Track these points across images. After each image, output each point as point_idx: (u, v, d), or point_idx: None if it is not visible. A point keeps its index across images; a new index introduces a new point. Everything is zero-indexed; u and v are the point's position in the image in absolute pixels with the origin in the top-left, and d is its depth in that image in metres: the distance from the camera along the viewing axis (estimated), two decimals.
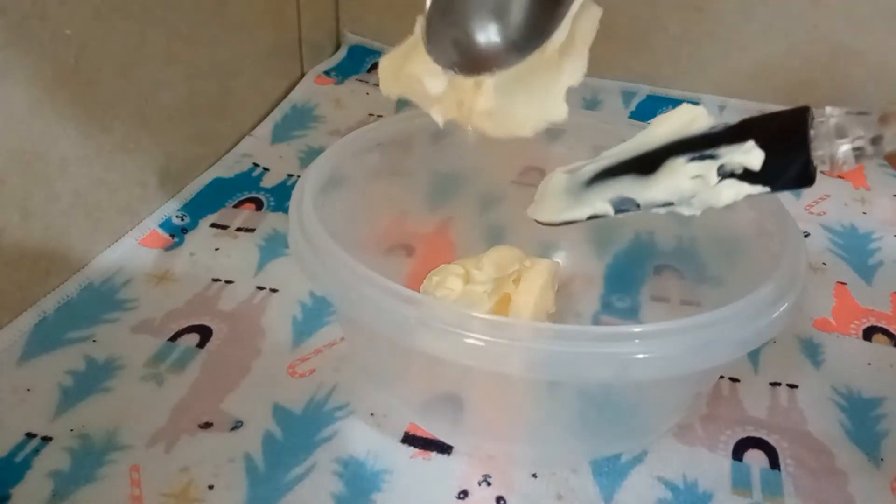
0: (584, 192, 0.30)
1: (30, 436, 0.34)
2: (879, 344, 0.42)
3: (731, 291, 0.31)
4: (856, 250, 0.49)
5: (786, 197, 0.55)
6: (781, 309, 0.29)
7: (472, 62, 0.28)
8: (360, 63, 0.73)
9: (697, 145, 0.28)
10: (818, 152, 0.26)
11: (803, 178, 0.26)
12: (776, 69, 0.65)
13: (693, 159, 0.28)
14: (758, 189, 0.27)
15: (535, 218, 0.32)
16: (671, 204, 0.28)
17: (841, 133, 0.26)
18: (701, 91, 0.67)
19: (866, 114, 0.26)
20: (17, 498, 0.31)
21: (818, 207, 0.54)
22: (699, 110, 0.30)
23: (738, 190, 0.27)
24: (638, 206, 0.29)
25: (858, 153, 0.26)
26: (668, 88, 0.68)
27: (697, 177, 0.28)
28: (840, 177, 0.57)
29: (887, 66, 0.62)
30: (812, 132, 0.26)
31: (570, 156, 0.35)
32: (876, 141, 0.25)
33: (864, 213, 0.53)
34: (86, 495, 0.31)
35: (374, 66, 0.73)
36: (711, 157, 0.28)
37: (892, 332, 0.42)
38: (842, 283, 0.46)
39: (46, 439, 0.34)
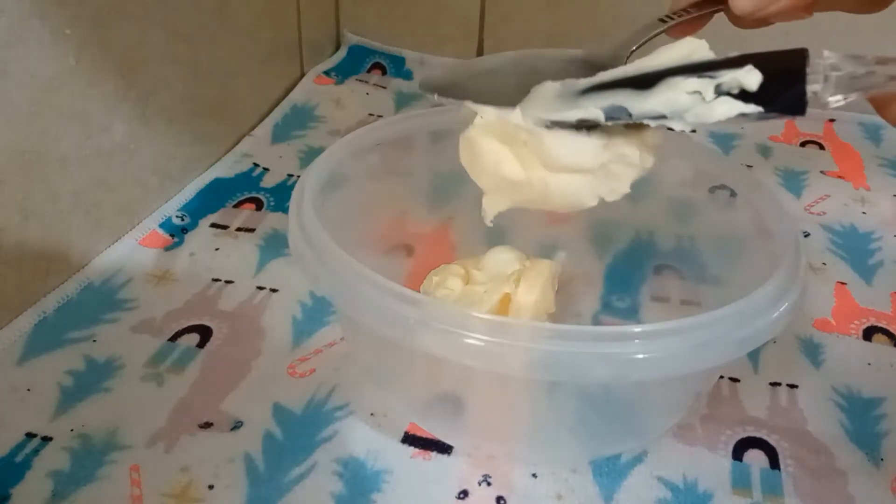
0: (577, 99, 0.30)
1: (30, 436, 0.34)
2: (879, 344, 0.42)
3: (731, 291, 0.31)
4: (856, 250, 0.49)
5: (786, 197, 0.55)
6: (781, 309, 0.29)
7: None
8: (360, 63, 0.73)
9: (697, 69, 0.28)
10: (813, 86, 0.26)
11: (796, 105, 0.27)
12: None
13: (691, 76, 0.28)
14: (751, 108, 0.27)
15: (521, 114, 0.31)
16: (664, 117, 0.28)
17: (835, 69, 0.26)
18: None
19: (862, 57, 0.26)
20: (17, 498, 0.31)
21: (818, 207, 0.54)
22: (701, 43, 0.30)
23: (732, 107, 0.27)
24: (630, 115, 0.29)
25: (848, 84, 0.26)
26: None
27: (694, 92, 0.28)
28: (840, 177, 0.58)
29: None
30: (809, 67, 0.26)
31: None
32: (867, 76, 0.26)
33: (864, 213, 0.53)
34: (86, 495, 0.31)
35: (374, 66, 0.73)
36: (710, 76, 0.28)
37: (892, 332, 0.42)
38: (842, 283, 0.46)
39: (46, 439, 0.34)
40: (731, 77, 0.27)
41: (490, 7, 0.70)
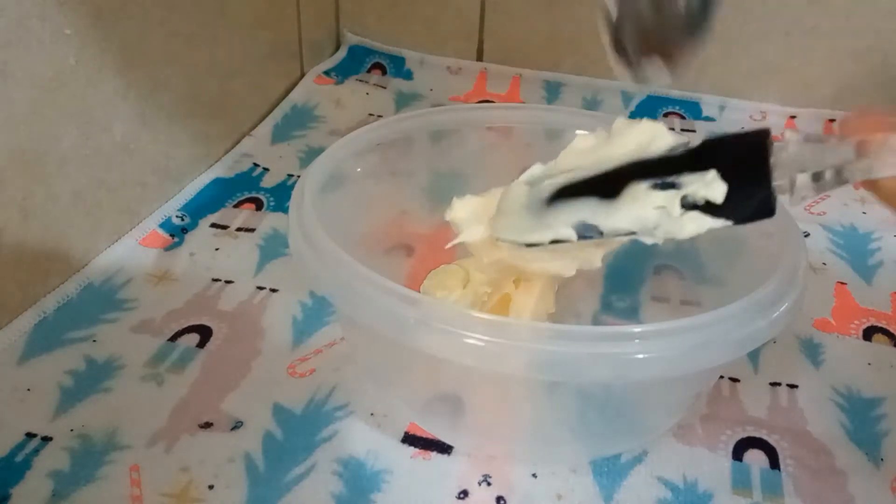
0: (546, 213, 0.30)
1: (30, 436, 0.34)
2: (879, 344, 0.42)
3: (731, 291, 0.31)
4: (856, 250, 0.49)
5: (785, 197, 0.55)
6: (781, 309, 0.29)
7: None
8: (360, 63, 0.73)
9: (659, 170, 0.28)
10: (778, 182, 0.26)
11: (765, 210, 0.26)
12: (776, 69, 0.65)
13: (656, 186, 0.28)
14: (720, 223, 0.27)
15: (498, 236, 0.32)
16: (633, 233, 0.28)
17: (800, 163, 0.25)
18: (701, 91, 0.67)
19: (824, 140, 0.25)
20: (17, 498, 0.31)
21: (818, 207, 0.54)
22: (660, 127, 0.30)
23: (701, 224, 0.27)
24: (601, 233, 0.29)
25: (818, 185, 0.25)
26: (668, 88, 0.68)
27: (661, 207, 0.28)
28: None
29: (887, 66, 0.62)
30: (772, 160, 0.26)
31: None
32: (839, 172, 0.25)
33: (864, 213, 0.53)
34: (86, 495, 0.31)
35: (374, 66, 0.73)
36: (674, 185, 0.27)
37: (892, 332, 0.42)
38: (842, 283, 0.46)
39: (46, 439, 0.34)
40: (695, 188, 0.27)
41: (490, 7, 0.70)
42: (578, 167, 0.30)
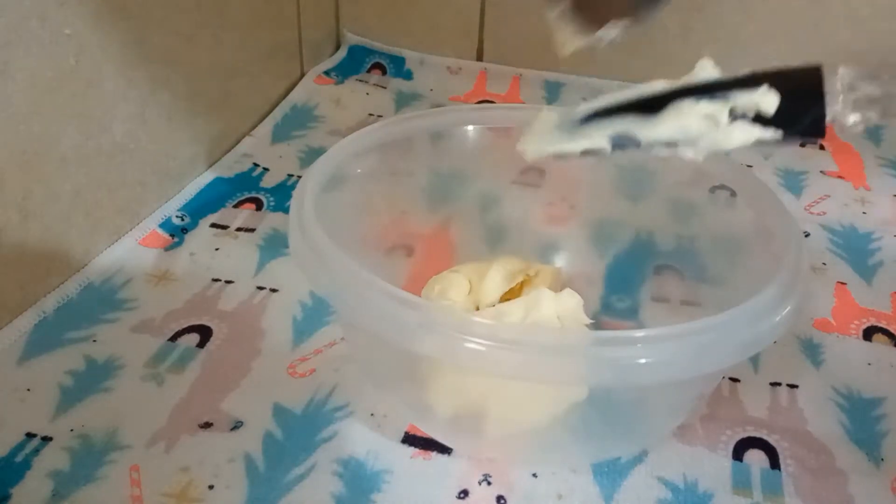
0: (579, 128, 0.28)
1: (30, 436, 0.34)
2: (879, 344, 0.42)
3: (731, 291, 0.31)
4: (856, 250, 0.49)
5: (786, 197, 0.55)
6: (784, 312, 0.28)
7: None
8: (360, 63, 0.73)
9: (706, 90, 0.26)
10: (832, 107, 0.25)
11: (816, 128, 0.25)
12: None
13: (703, 100, 0.26)
14: (769, 134, 0.25)
15: (523, 149, 0.30)
16: (675, 145, 0.26)
17: (853, 90, 0.25)
18: None
19: (878, 77, 0.25)
20: (17, 498, 0.31)
21: (818, 207, 0.54)
22: (706, 61, 0.28)
23: (749, 133, 0.26)
24: (638, 144, 0.27)
25: (869, 114, 0.25)
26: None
27: (708, 116, 0.26)
28: (840, 177, 0.58)
29: (887, 66, 0.62)
30: (826, 88, 0.25)
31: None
32: (886, 101, 0.25)
33: (864, 213, 0.53)
34: (86, 495, 0.31)
35: (374, 66, 0.73)
36: (723, 98, 0.26)
37: (892, 332, 0.42)
38: (842, 283, 0.46)
39: (46, 439, 0.34)
40: (746, 99, 0.25)
41: (490, 7, 0.70)
42: (619, 96, 0.28)
